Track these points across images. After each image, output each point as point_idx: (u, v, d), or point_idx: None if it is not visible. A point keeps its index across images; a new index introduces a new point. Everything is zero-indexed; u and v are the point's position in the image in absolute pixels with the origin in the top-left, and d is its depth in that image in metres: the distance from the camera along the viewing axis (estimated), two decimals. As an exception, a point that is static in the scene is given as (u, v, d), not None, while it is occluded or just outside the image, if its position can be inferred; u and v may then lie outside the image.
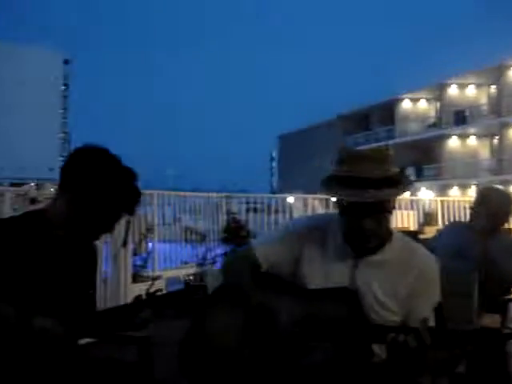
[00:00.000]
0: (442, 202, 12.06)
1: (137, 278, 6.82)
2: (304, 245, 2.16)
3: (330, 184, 2.02)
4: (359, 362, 1.99)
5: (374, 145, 43.91)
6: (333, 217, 2.18)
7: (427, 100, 42.46)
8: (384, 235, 2.09)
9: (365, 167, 1.96)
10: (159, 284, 6.67)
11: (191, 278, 7.77)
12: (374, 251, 2.09)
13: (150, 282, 6.46)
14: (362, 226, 2.00)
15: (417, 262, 2.11)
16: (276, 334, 2.01)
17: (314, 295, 2.08)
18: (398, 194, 2.02)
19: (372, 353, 2.03)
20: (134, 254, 6.79)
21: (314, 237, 2.16)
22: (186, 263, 8.56)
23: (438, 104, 40.27)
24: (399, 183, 2.00)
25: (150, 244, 7.83)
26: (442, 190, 33.48)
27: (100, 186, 2.05)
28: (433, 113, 41.91)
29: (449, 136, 38.29)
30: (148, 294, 2.17)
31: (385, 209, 2.01)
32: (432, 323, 2.02)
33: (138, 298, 2.18)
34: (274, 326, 2.02)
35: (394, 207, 2.07)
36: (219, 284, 2.24)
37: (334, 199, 2.11)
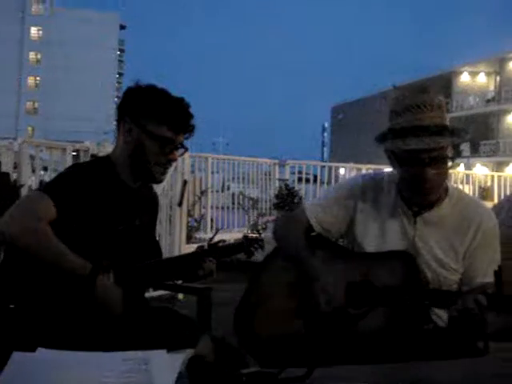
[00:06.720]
0: (498, 177, 11.84)
1: (189, 238, 6.94)
2: (357, 204, 2.11)
3: (388, 137, 1.97)
4: (415, 329, 1.95)
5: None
6: (385, 174, 2.14)
7: (486, 74, 41.20)
8: (441, 189, 2.04)
9: (424, 116, 1.92)
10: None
11: (249, 231, 7.85)
12: (431, 207, 2.04)
13: (213, 232, 6.61)
14: (424, 176, 1.93)
15: (475, 217, 2.04)
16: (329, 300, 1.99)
17: (370, 258, 2.05)
18: (458, 142, 1.99)
19: (430, 319, 2.00)
20: (188, 216, 6.88)
21: (368, 195, 2.12)
22: (237, 227, 8.64)
23: (498, 78, 39.03)
24: (456, 131, 1.96)
25: (203, 208, 7.91)
26: (498, 167, 32.60)
27: (153, 109, 2.08)
28: (492, 87, 40.67)
29: (508, 111, 37.14)
30: (210, 244, 2.16)
31: (445, 158, 1.96)
32: (491, 286, 1.96)
33: (200, 248, 2.16)
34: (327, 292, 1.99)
35: (452, 159, 2.00)
36: (273, 247, 2.20)
37: (390, 154, 2.02)
